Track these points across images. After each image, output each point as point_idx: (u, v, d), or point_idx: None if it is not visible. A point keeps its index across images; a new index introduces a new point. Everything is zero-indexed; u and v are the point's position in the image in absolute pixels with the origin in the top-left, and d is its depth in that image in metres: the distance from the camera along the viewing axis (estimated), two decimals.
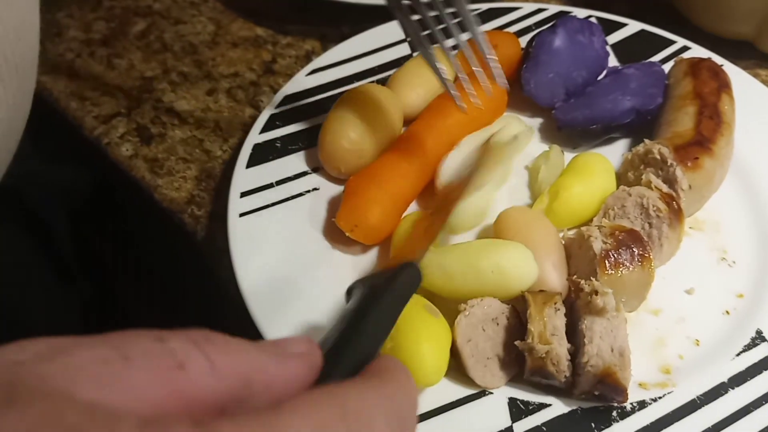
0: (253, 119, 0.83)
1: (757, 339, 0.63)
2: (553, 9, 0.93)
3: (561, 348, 0.56)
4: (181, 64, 0.95)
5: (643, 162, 0.71)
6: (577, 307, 0.59)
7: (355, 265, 0.69)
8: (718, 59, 0.84)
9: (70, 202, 0.91)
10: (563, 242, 0.67)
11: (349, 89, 0.78)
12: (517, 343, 0.57)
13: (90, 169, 0.93)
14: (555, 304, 0.58)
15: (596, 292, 0.57)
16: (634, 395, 0.58)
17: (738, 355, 0.62)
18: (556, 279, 0.64)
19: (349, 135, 0.72)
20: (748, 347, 0.63)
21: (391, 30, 0.91)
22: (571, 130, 0.78)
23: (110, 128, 0.87)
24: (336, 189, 0.75)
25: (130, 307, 0.97)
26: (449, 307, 0.61)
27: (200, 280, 0.81)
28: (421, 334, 0.58)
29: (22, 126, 0.60)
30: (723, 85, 0.75)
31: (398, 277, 0.43)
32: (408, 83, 0.81)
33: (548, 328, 0.56)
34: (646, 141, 0.72)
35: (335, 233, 0.71)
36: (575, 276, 0.63)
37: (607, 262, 0.60)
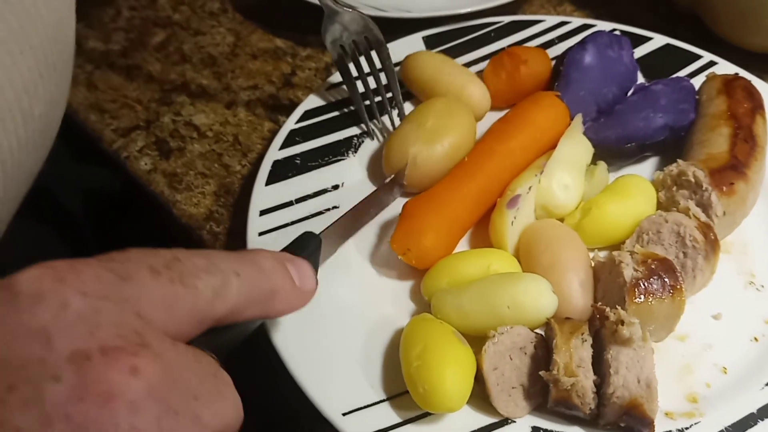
0: (272, 133, 0.82)
1: None
2: (577, 22, 0.92)
3: (587, 380, 0.55)
4: (200, 76, 0.94)
5: (676, 183, 0.70)
6: (602, 336, 0.57)
7: (378, 282, 0.69)
8: (745, 74, 0.83)
9: (98, 204, 0.91)
10: (592, 264, 0.66)
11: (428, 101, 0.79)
12: (541, 373, 0.56)
13: (111, 179, 0.93)
14: (582, 334, 0.57)
15: (622, 322, 0.55)
16: (660, 425, 0.57)
17: (767, 384, 0.61)
18: (580, 299, 0.63)
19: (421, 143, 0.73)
20: None
21: (412, 43, 0.90)
22: (602, 149, 0.76)
23: (129, 141, 0.86)
24: None
25: None
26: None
27: None
28: (446, 359, 0.57)
29: (57, 123, 0.60)
30: (758, 105, 0.73)
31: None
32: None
33: (574, 360, 0.55)
34: (680, 162, 0.70)
35: (356, 251, 0.70)
36: (601, 302, 0.62)
37: (636, 290, 0.59)
